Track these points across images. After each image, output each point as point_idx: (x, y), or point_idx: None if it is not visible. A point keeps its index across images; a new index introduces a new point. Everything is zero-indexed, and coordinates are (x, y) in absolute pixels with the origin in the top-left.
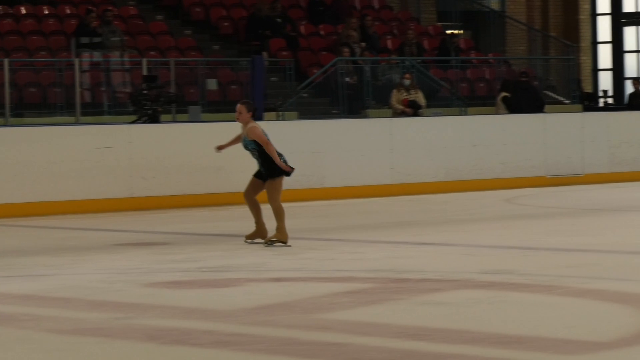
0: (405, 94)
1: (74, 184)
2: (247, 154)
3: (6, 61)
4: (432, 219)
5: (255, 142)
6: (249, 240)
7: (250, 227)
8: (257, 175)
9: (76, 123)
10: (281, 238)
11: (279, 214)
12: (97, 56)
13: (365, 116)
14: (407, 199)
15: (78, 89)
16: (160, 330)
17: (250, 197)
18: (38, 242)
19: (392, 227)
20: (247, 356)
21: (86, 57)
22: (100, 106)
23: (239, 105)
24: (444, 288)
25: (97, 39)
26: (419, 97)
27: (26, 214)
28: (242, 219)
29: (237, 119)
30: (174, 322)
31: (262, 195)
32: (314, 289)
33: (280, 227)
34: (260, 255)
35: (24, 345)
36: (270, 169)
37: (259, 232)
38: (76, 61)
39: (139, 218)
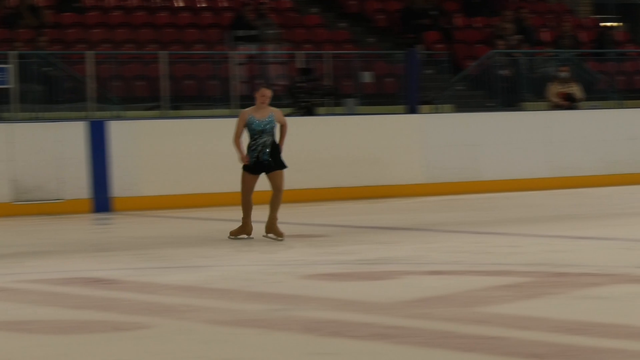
0: (561, 87)
1: (231, 176)
2: (402, 146)
3: (164, 54)
4: (590, 212)
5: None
6: (233, 237)
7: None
8: (252, 170)
9: (232, 115)
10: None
11: (280, 205)
12: (253, 49)
13: (522, 109)
14: (565, 193)
15: (234, 82)
16: (319, 321)
17: (249, 196)
18: (197, 233)
19: (550, 221)
20: (405, 349)
21: (242, 50)
22: (255, 99)
23: (266, 90)
24: (603, 282)
25: (253, 32)
26: (576, 90)
27: (185, 205)
28: (399, 212)
29: (264, 103)
30: (332, 314)
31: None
32: (471, 282)
33: (276, 218)
34: (417, 248)
35: (184, 336)
36: (279, 158)
37: (246, 229)
38: (232, 54)
39: (296, 210)
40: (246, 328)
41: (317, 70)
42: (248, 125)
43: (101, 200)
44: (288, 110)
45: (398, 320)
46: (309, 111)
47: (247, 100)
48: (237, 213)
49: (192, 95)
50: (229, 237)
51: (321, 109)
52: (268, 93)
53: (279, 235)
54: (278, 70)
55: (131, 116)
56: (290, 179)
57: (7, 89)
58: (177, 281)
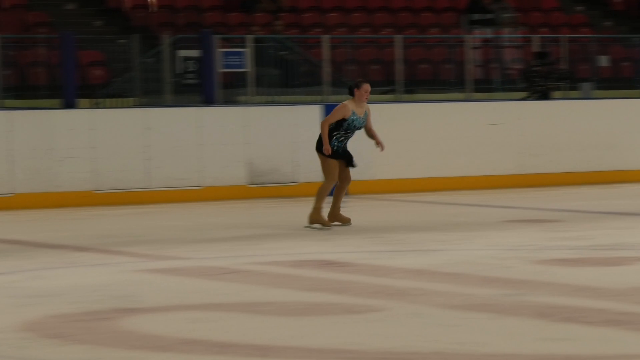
0: None
1: (464, 160)
2: (639, 131)
3: (399, 38)
4: None
5: None
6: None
7: None
8: (339, 157)
9: (467, 99)
10: None
11: None
12: (488, 33)
13: None
14: None
15: (469, 66)
16: (551, 307)
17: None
18: (429, 217)
19: None
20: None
21: (477, 33)
22: (490, 82)
23: (369, 86)
24: None
25: (488, 16)
26: None
27: (418, 189)
28: (635, 197)
29: (366, 99)
30: (565, 299)
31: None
32: None
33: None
34: None
35: (417, 319)
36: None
37: (324, 217)
38: (467, 38)
39: (529, 195)
40: (477, 312)
41: (553, 54)
42: (349, 121)
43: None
44: (523, 94)
45: (632, 307)
46: (544, 95)
47: (482, 84)
48: (472, 197)
49: (427, 79)
50: (326, 227)
51: (556, 93)
52: (370, 89)
53: (346, 221)
54: (513, 54)
55: None
56: (524, 163)
57: (243, 73)
58: (409, 265)
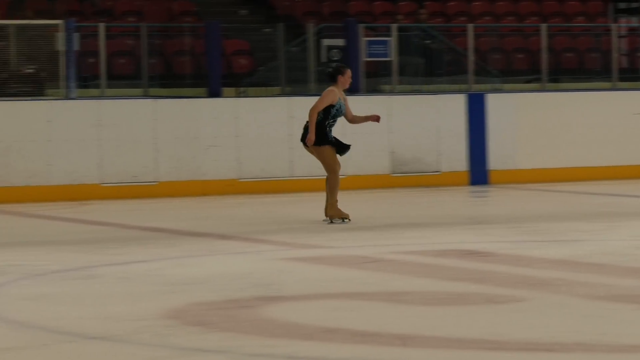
0: None
1: (610, 150)
2: None
3: (544, 26)
4: None
5: None
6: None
7: None
8: (340, 148)
9: (612, 89)
10: None
11: None
12: (635, 21)
13: None
14: None
15: (615, 55)
16: None
17: None
18: (573, 207)
19: None
20: None
21: (623, 22)
22: (637, 72)
23: (350, 71)
24: None
25: (635, 5)
26: None
27: (562, 179)
28: None
29: (349, 85)
30: None
31: None
32: None
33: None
34: None
35: (559, 310)
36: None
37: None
38: (613, 26)
39: None
40: (622, 303)
41: None
42: (337, 107)
43: (478, 172)
44: None
45: None
46: None
47: (628, 73)
48: (617, 187)
49: (572, 68)
50: (346, 220)
51: None
52: (351, 74)
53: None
54: None
55: (510, 89)
56: None
57: (387, 62)
58: (552, 255)
